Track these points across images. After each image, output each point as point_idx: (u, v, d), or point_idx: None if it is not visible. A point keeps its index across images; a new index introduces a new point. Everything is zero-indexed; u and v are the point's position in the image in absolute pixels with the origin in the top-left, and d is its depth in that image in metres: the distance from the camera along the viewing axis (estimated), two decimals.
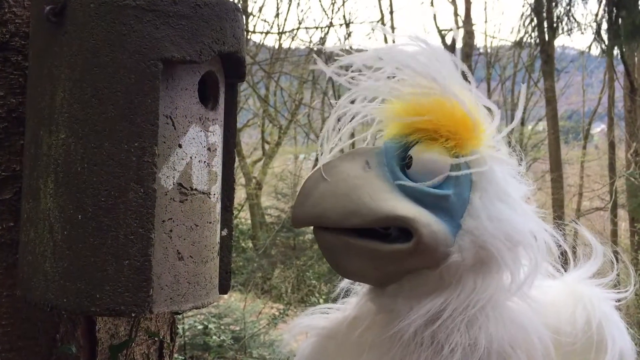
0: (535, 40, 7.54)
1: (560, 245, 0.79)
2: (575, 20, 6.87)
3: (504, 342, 0.71)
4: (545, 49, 7.76)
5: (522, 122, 12.49)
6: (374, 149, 0.75)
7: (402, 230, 0.70)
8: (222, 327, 5.13)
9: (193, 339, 4.75)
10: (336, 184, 0.72)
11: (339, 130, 0.79)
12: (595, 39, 6.49)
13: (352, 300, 0.84)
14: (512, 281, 0.73)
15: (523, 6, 7.25)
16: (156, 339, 1.10)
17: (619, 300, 0.81)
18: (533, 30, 7.45)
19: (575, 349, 0.76)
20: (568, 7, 6.80)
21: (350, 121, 0.78)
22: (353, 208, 0.70)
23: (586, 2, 6.75)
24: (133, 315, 0.77)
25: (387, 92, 0.76)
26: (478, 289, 0.71)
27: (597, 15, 6.28)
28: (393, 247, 0.70)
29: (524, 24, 7.34)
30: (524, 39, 7.65)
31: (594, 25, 6.43)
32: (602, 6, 6.19)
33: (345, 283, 0.86)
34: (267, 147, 10.90)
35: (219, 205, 0.90)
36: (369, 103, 0.78)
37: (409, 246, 0.69)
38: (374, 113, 0.77)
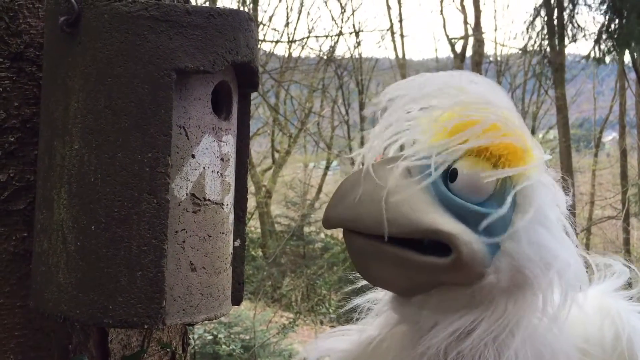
0: (544, 48, 7.52)
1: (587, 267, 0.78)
2: (578, 26, 6.84)
3: None
4: (553, 57, 7.73)
5: (533, 131, 12.45)
6: (417, 158, 0.73)
7: (437, 242, 0.68)
8: (232, 336, 5.13)
9: (203, 348, 4.75)
10: (375, 189, 0.69)
11: (385, 135, 0.76)
12: (595, 45, 6.46)
13: (371, 320, 0.83)
14: (544, 307, 0.71)
15: (531, 15, 7.21)
16: (168, 349, 1.09)
17: None
18: (543, 39, 7.43)
19: None
20: (572, 13, 6.78)
21: (399, 129, 0.76)
22: (390, 217, 0.68)
23: (590, 9, 6.71)
24: (146, 327, 0.76)
25: (446, 103, 0.73)
26: (510, 312, 0.69)
27: (603, 21, 6.26)
28: (428, 259, 0.68)
29: (528, 30, 7.32)
30: (534, 47, 7.63)
31: (596, 31, 6.41)
32: (607, 11, 6.17)
33: (359, 300, 0.85)
34: (277, 155, 10.92)
35: (231, 216, 0.89)
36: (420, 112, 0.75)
37: (446, 262, 0.67)
38: (424, 122, 0.75)
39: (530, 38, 7.40)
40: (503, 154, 0.70)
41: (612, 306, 0.77)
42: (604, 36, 6.33)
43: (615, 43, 6.07)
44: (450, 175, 0.71)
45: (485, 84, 0.74)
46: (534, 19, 7.23)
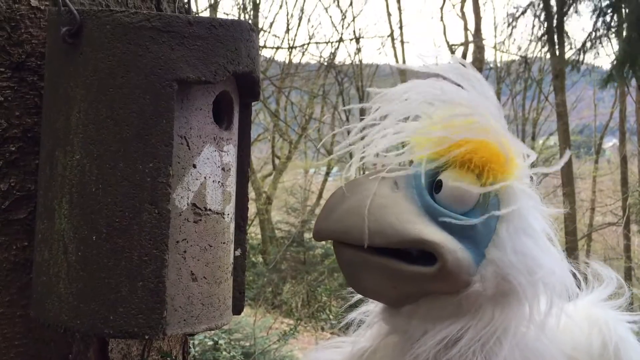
0: (542, 55, 7.54)
1: (575, 276, 0.78)
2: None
3: None
4: (553, 64, 7.76)
5: (533, 137, 12.45)
6: (402, 170, 0.74)
7: (424, 252, 0.70)
8: (232, 342, 5.11)
9: (203, 354, 4.74)
10: (362, 201, 0.71)
11: (364, 146, 0.77)
12: (579, 51, 6.46)
13: (363, 332, 0.83)
14: (531, 315, 0.72)
15: (532, 22, 7.25)
16: (168, 358, 1.09)
17: (634, 322, 0.80)
18: (544, 46, 7.45)
19: None
20: (571, 20, 6.79)
21: (381, 137, 0.77)
22: (377, 228, 0.69)
23: (592, 17, 6.73)
24: (146, 337, 0.76)
25: (423, 112, 0.74)
26: (496, 319, 0.70)
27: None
28: (414, 269, 0.70)
29: (531, 37, 7.33)
30: (533, 54, 7.64)
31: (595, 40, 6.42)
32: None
33: (355, 314, 0.85)
34: (277, 161, 10.93)
35: (232, 225, 0.89)
36: (401, 122, 0.77)
37: (431, 270, 0.68)
38: (406, 132, 0.76)
39: (530, 45, 7.42)
40: (486, 164, 0.71)
41: (600, 315, 0.78)
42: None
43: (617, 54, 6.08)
44: (435, 186, 0.72)
45: (471, 89, 0.74)
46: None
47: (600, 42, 6.34)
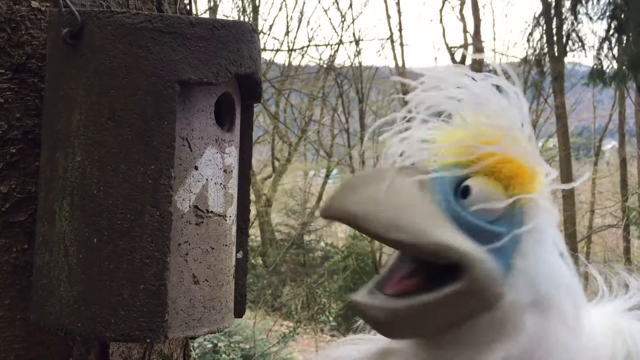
0: (542, 58, 7.54)
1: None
2: (579, 38, 6.87)
3: None
4: (552, 67, 7.76)
5: None
6: (428, 171, 0.70)
7: (439, 272, 0.65)
8: (232, 345, 5.10)
9: (203, 357, 4.73)
10: (388, 192, 0.66)
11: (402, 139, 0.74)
12: (595, 59, 6.47)
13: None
14: (565, 324, 0.70)
15: (531, 23, 7.24)
16: None
17: None
18: (542, 48, 7.45)
19: None
20: (574, 26, 6.81)
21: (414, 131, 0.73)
22: (400, 223, 0.64)
23: (592, 21, 6.73)
24: (148, 341, 0.76)
25: (459, 113, 0.72)
26: (538, 331, 0.67)
27: (605, 35, 6.28)
28: (443, 292, 0.64)
29: (528, 40, 7.34)
30: (533, 56, 7.65)
31: (597, 45, 6.43)
32: (609, 26, 6.19)
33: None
34: (277, 163, 10.93)
35: (234, 228, 0.89)
36: (434, 118, 0.73)
37: (461, 286, 0.63)
38: (437, 132, 0.73)
39: (531, 48, 7.43)
40: (514, 177, 0.69)
41: (625, 326, 0.75)
42: (604, 50, 6.35)
43: (619, 64, 6.08)
44: (461, 192, 0.69)
45: (505, 98, 0.73)
46: (533, 29, 7.26)
47: (611, 46, 6.34)
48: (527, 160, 0.71)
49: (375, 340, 0.80)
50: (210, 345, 4.76)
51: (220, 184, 0.84)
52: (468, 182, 0.69)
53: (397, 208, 0.65)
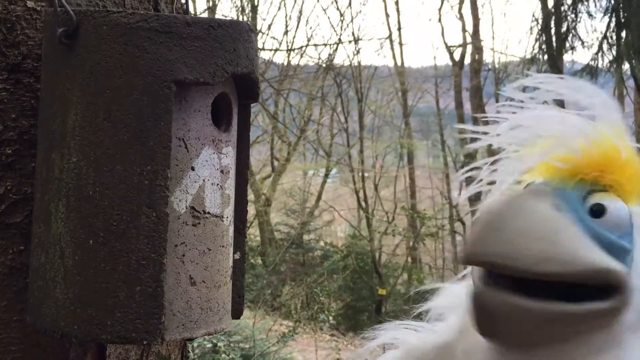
0: (543, 56, 7.54)
1: None
2: (579, 37, 6.87)
3: None
4: (551, 66, 7.75)
5: None
6: (552, 191, 0.66)
7: (573, 289, 0.62)
8: (232, 344, 5.10)
9: (202, 357, 4.72)
10: (530, 222, 0.62)
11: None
12: (596, 55, 6.47)
13: (446, 325, 0.76)
14: None
15: (532, 22, 7.23)
16: None
17: None
18: (541, 46, 7.45)
19: None
20: (574, 24, 6.80)
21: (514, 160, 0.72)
22: (552, 253, 0.60)
23: (593, 18, 6.73)
24: (144, 343, 0.75)
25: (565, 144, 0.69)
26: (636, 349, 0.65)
27: (605, 31, 6.27)
28: (590, 306, 0.61)
29: (532, 39, 7.34)
30: (532, 55, 7.65)
31: (597, 42, 6.43)
32: (609, 22, 6.19)
33: (431, 305, 0.79)
34: (276, 163, 10.93)
35: (231, 229, 0.88)
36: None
37: (611, 304, 0.61)
38: (537, 148, 0.71)
39: (534, 49, 7.42)
40: (621, 183, 0.67)
41: None
42: (604, 47, 6.35)
43: (616, 54, 6.08)
44: (594, 210, 0.66)
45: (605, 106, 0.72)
46: (532, 28, 7.26)
47: (609, 42, 6.33)
48: (630, 164, 0.68)
49: (436, 332, 0.77)
50: (210, 345, 4.75)
51: (217, 184, 0.83)
52: (600, 200, 0.66)
53: (544, 238, 0.61)
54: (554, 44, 7.15)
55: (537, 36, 7.26)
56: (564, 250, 0.60)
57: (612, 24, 6.18)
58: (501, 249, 0.60)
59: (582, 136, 0.68)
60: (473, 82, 10.62)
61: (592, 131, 0.69)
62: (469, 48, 11.04)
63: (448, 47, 11.59)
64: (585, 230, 0.63)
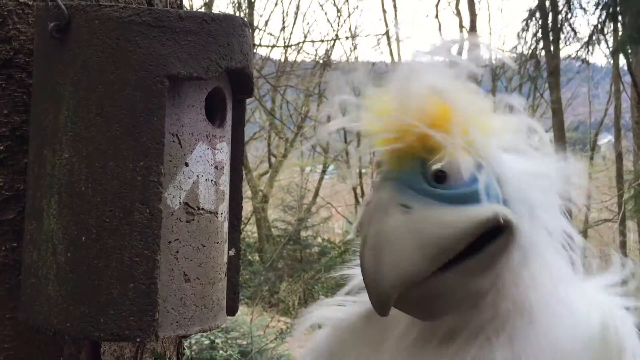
0: (536, 52, 7.53)
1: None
2: (573, 30, 6.87)
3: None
4: (548, 61, 7.75)
5: None
6: (395, 183, 0.70)
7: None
8: (229, 341, 5.09)
9: (200, 353, 4.71)
10: (383, 240, 0.67)
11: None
12: (586, 44, 6.48)
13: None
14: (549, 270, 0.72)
15: (527, 18, 7.21)
16: None
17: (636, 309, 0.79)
18: (537, 42, 7.44)
19: (591, 357, 0.73)
20: (567, 16, 6.80)
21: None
22: (435, 251, 0.66)
23: (585, 12, 6.73)
24: (138, 340, 0.74)
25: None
26: (529, 278, 0.71)
27: (597, 23, 6.27)
28: (491, 249, 0.68)
29: (520, 34, 7.33)
30: (529, 50, 7.64)
31: (589, 33, 6.43)
32: (600, 14, 6.18)
33: (357, 280, 0.81)
34: (273, 160, 10.91)
35: (226, 225, 0.87)
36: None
37: (504, 240, 0.68)
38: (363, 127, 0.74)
39: (524, 41, 7.41)
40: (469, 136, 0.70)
41: (604, 301, 0.76)
42: (594, 37, 6.35)
43: (613, 50, 6.08)
44: (438, 177, 0.70)
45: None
46: (527, 22, 7.24)
47: (604, 35, 6.33)
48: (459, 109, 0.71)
49: (360, 303, 0.80)
50: (207, 342, 4.74)
51: (212, 180, 0.82)
52: (439, 166, 0.70)
53: (395, 254, 0.66)
54: (551, 39, 7.14)
55: (535, 31, 7.25)
56: (437, 243, 0.66)
57: (604, 16, 6.18)
58: (397, 272, 0.66)
59: (403, 106, 0.70)
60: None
61: (411, 98, 0.70)
62: (466, 44, 11.02)
63: None
64: (437, 200, 0.68)
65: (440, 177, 0.70)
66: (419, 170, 0.70)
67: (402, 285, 0.65)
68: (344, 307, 0.83)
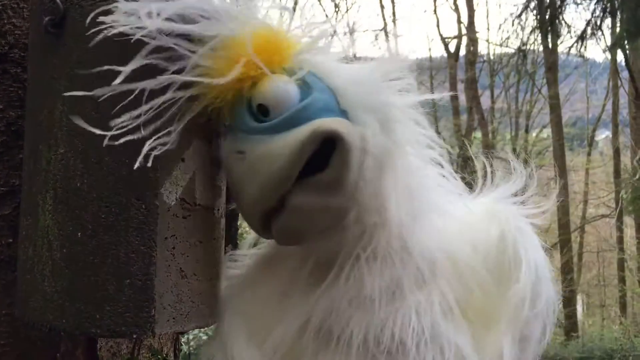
0: (536, 47, 7.52)
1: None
2: (566, 24, 6.86)
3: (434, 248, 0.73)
4: (546, 57, 7.75)
5: (527, 129, 12.46)
6: (228, 137, 0.73)
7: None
8: None
9: (198, 349, 4.71)
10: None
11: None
12: (580, 37, 6.48)
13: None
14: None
15: (518, 10, 7.20)
16: (159, 357, 1.07)
17: (536, 216, 0.80)
18: (536, 38, 7.43)
19: (489, 267, 0.75)
20: (560, 11, 6.79)
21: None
22: (272, 184, 0.68)
23: (577, 5, 6.72)
24: (134, 336, 0.74)
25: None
26: (391, 189, 0.71)
27: (591, 17, 6.27)
28: (334, 160, 0.66)
29: (513, 23, 7.32)
30: (526, 46, 7.63)
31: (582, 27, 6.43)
32: (595, 8, 6.18)
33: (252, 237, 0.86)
34: None
35: (223, 221, 0.87)
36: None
37: (342, 149, 0.66)
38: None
39: (515, 32, 7.41)
40: (272, 56, 0.71)
41: (501, 210, 0.78)
42: (588, 30, 6.36)
43: (610, 45, 6.08)
44: (263, 112, 0.70)
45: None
46: (520, 14, 7.23)
47: (600, 28, 6.33)
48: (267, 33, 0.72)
49: (251, 255, 0.85)
50: (205, 338, 4.74)
51: (208, 176, 0.82)
52: (257, 100, 0.70)
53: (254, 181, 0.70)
54: (549, 36, 7.13)
55: (532, 25, 7.24)
56: (261, 182, 0.69)
57: (599, 10, 6.17)
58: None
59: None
60: (468, 73, 10.61)
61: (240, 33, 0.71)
62: (464, 39, 11.02)
63: (443, 39, 11.56)
64: (267, 134, 0.69)
65: (265, 110, 0.70)
66: (247, 110, 0.71)
67: (260, 225, 0.71)
68: (241, 262, 0.86)
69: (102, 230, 0.73)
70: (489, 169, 0.83)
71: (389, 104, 0.72)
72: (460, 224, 0.77)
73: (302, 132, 0.66)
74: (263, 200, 0.70)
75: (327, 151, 0.67)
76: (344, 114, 0.70)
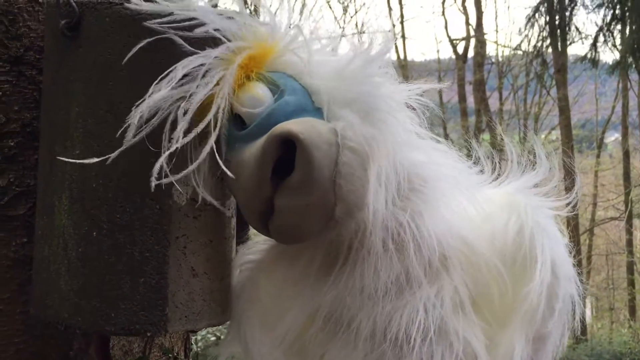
0: (544, 50, 7.50)
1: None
2: (576, 28, 6.85)
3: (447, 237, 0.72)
4: (555, 59, 7.72)
5: (535, 131, 12.41)
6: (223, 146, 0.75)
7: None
8: None
9: (205, 350, 4.73)
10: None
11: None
12: (593, 46, 6.46)
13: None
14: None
15: (533, 16, 7.19)
16: (170, 355, 1.08)
17: (559, 209, 0.79)
18: (544, 40, 7.41)
19: (506, 262, 0.74)
20: (570, 15, 6.77)
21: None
22: (251, 191, 0.70)
23: (589, 11, 6.71)
24: (148, 334, 0.75)
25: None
26: (378, 182, 0.71)
27: (602, 23, 6.25)
28: (298, 160, 0.67)
29: (525, 28, 7.30)
30: (535, 48, 7.61)
31: (593, 33, 6.41)
32: (605, 15, 6.16)
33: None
34: None
35: (233, 220, 0.88)
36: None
37: (301, 149, 0.65)
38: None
39: (527, 37, 7.39)
40: (251, 63, 0.73)
41: (521, 201, 0.76)
42: (600, 39, 6.34)
43: (621, 50, 6.05)
44: (238, 124, 0.72)
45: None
46: (531, 17, 7.21)
47: (612, 34, 6.31)
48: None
49: (265, 239, 0.85)
50: (213, 338, 4.75)
51: (219, 176, 0.83)
52: (236, 111, 0.72)
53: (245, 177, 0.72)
54: (559, 37, 7.11)
55: (540, 28, 7.22)
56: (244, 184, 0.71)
57: (609, 17, 6.16)
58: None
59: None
60: (476, 75, 10.59)
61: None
62: (472, 41, 11.00)
63: (451, 41, 11.55)
64: (244, 142, 0.71)
65: (240, 123, 0.72)
66: (232, 120, 0.73)
67: (260, 226, 0.73)
68: (257, 249, 0.87)
69: (117, 230, 0.75)
70: (514, 157, 0.81)
71: (372, 93, 0.70)
72: (479, 214, 0.75)
73: (263, 138, 0.68)
74: (251, 205, 0.72)
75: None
76: (318, 111, 0.70)
